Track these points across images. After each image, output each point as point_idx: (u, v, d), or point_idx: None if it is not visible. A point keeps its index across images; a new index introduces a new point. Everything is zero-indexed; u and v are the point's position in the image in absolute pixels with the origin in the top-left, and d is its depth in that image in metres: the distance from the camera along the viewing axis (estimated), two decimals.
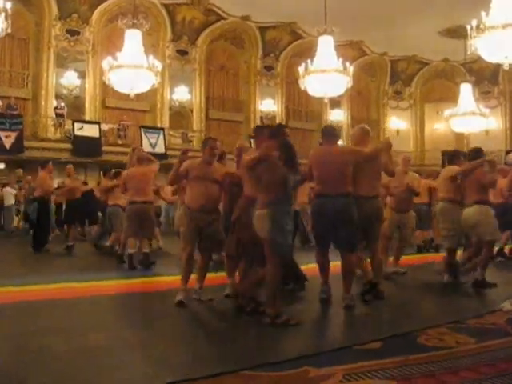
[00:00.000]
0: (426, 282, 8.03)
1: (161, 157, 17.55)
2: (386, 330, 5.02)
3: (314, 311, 6.05)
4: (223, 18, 26.38)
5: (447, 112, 25.08)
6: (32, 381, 3.68)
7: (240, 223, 5.70)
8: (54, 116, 22.89)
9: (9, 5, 13.75)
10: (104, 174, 13.40)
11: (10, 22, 13.77)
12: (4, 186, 19.23)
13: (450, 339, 4.68)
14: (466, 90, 23.69)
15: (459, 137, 29.18)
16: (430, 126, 33.48)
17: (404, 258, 9.05)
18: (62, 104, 23.15)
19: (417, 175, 9.88)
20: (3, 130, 20.09)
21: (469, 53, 16.01)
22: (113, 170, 12.48)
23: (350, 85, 19.21)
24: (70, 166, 14.00)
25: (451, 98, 27.28)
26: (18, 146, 20.45)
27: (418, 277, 8.60)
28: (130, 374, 3.89)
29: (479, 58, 18.81)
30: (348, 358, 4.09)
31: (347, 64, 18.55)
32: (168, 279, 7.49)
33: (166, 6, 24.85)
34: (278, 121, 27.59)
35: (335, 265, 6.31)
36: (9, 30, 14.14)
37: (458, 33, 23.86)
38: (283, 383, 3.69)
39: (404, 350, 4.27)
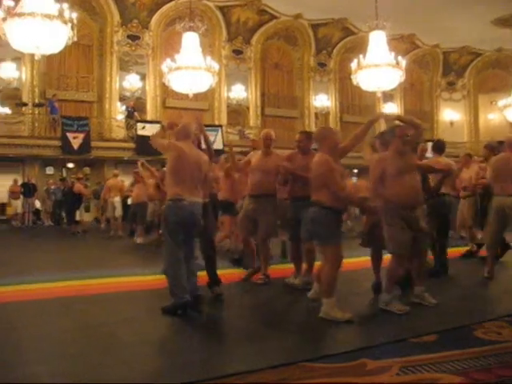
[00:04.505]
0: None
1: (219, 153, 17.63)
2: (442, 323, 4.92)
3: (368, 304, 5.95)
4: (276, 18, 27.06)
5: (501, 102, 25.05)
6: (105, 367, 3.88)
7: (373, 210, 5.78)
8: (125, 118, 24.02)
9: (75, 15, 14.54)
10: None
11: (75, 31, 14.57)
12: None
13: (508, 333, 4.57)
14: None
15: None
16: (484, 116, 33.38)
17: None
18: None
19: None
20: (71, 131, 21.25)
21: None
22: None
23: (402, 78, 19.43)
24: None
25: (505, 87, 27.30)
26: (86, 146, 21.54)
27: (476, 269, 7.98)
28: (194, 360, 3.99)
29: None
30: (404, 351, 4.08)
31: (399, 58, 18.80)
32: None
33: (220, 8, 25.69)
34: (331, 116, 28.42)
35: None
36: (75, 39, 14.92)
37: (511, 21, 23.79)
38: (342, 375, 3.66)
39: (460, 344, 4.22)
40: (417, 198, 5.66)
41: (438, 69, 33.01)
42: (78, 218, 17.04)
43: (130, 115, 23.74)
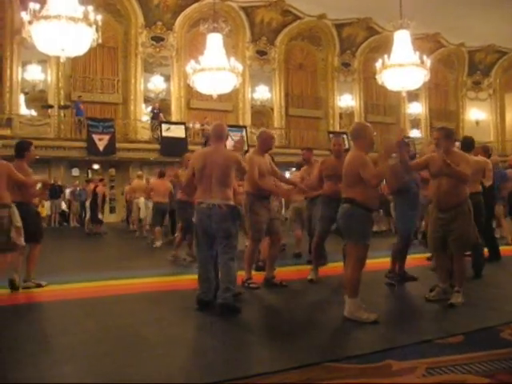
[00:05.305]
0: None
1: (243, 154, 17.66)
2: (468, 324, 4.84)
3: (394, 304, 5.97)
4: (300, 18, 27.08)
5: None
6: (130, 367, 3.85)
7: None
8: (150, 119, 24.17)
9: (99, 17, 14.66)
10: None
11: (100, 33, 14.69)
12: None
13: None
14: None
15: None
16: (510, 115, 32.96)
17: None
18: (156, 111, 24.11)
19: None
20: (97, 133, 21.45)
21: None
22: None
23: (427, 78, 19.41)
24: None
25: None
26: (111, 147, 21.76)
27: (502, 269, 8.04)
28: (218, 361, 4.01)
29: None
30: (430, 352, 4.01)
31: (424, 57, 18.66)
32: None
33: (244, 9, 25.76)
34: (356, 116, 28.18)
35: None
36: (99, 41, 15.06)
37: None
38: (367, 376, 3.60)
39: (487, 345, 4.14)
40: (446, 200, 5.65)
41: (463, 68, 32.75)
42: (101, 218, 17.04)
43: (154, 116, 23.86)
